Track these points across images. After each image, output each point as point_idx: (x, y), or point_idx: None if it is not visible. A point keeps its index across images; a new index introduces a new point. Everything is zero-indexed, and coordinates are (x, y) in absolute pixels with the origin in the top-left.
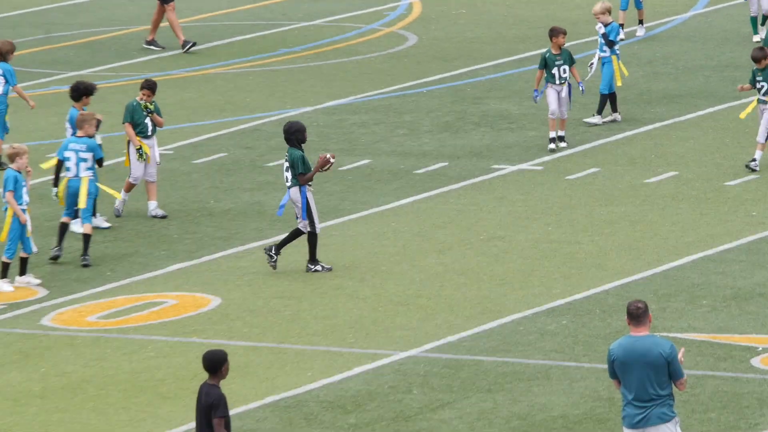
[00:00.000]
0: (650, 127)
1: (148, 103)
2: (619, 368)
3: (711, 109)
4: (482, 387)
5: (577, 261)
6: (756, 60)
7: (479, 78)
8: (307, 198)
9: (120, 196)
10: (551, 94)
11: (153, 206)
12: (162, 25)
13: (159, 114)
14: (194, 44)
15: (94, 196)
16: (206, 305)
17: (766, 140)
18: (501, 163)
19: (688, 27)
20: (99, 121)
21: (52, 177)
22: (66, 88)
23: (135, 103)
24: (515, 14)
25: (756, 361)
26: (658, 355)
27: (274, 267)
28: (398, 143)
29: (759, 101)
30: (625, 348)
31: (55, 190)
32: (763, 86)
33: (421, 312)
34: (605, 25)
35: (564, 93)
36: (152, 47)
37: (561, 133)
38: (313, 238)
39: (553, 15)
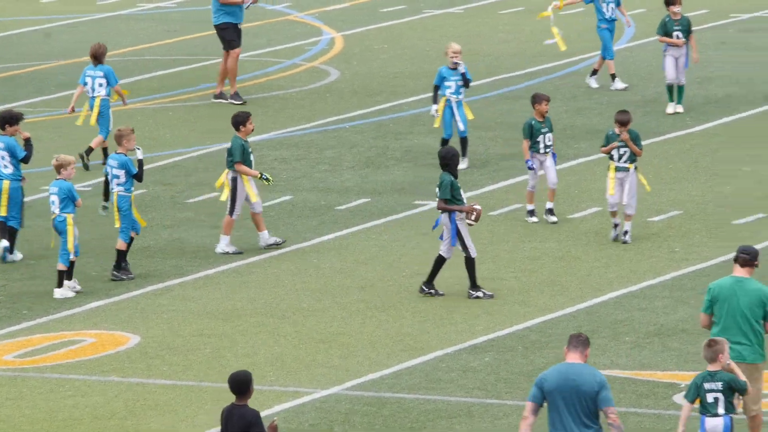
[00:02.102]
0: (574, 162)
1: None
2: (547, 392)
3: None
4: (404, 425)
5: (500, 297)
6: (623, 123)
7: (402, 113)
8: (457, 225)
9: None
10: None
11: (265, 236)
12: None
13: None
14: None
15: (125, 211)
16: (125, 343)
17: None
18: (424, 199)
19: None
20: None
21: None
22: None
23: (242, 141)
24: (438, 49)
25: (678, 398)
26: (591, 384)
27: (436, 293)
28: (320, 179)
29: (618, 168)
30: (559, 372)
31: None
32: (625, 153)
33: (343, 349)
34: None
35: (549, 162)
36: (233, 101)
37: (550, 205)
38: (470, 263)
39: (477, 50)
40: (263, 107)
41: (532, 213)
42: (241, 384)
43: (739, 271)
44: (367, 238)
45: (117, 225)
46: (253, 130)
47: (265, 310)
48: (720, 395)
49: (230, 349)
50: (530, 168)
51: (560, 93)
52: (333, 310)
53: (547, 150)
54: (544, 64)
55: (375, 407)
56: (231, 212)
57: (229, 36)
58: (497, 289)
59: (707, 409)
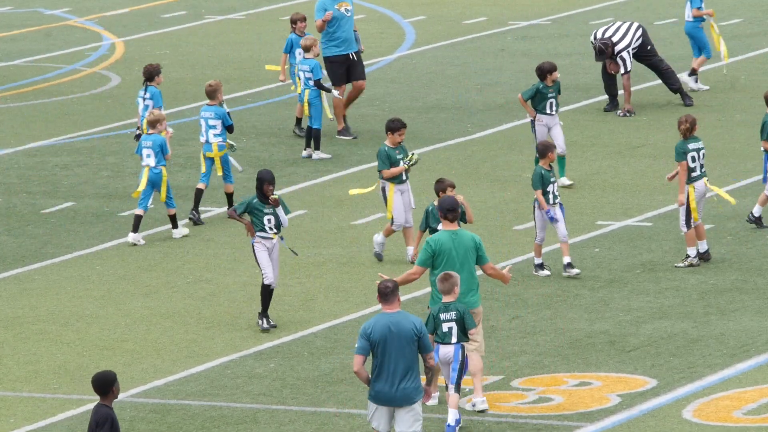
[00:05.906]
0: (357, 168)
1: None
2: (375, 342)
3: (416, 151)
4: None
5: (285, 303)
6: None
7: (184, 119)
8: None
9: None
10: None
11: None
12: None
13: None
14: (354, 136)
15: (224, 157)
16: None
17: None
18: (208, 206)
19: (393, 68)
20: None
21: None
22: None
23: (387, 149)
24: (219, 55)
25: (471, 404)
26: (410, 329)
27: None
28: (102, 185)
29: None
30: (382, 323)
31: None
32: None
33: (127, 356)
34: None
35: (558, 214)
36: (344, 137)
37: (567, 259)
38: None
39: (257, 57)
40: (43, 113)
41: (541, 266)
42: (103, 384)
43: (450, 226)
44: (151, 244)
45: (219, 173)
46: (401, 142)
47: (47, 318)
48: (453, 324)
49: (12, 357)
50: (551, 218)
51: None
52: (116, 317)
53: (556, 201)
54: None
55: (160, 414)
56: (392, 222)
57: (338, 70)
58: (282, 295)
59: (441, 338)
